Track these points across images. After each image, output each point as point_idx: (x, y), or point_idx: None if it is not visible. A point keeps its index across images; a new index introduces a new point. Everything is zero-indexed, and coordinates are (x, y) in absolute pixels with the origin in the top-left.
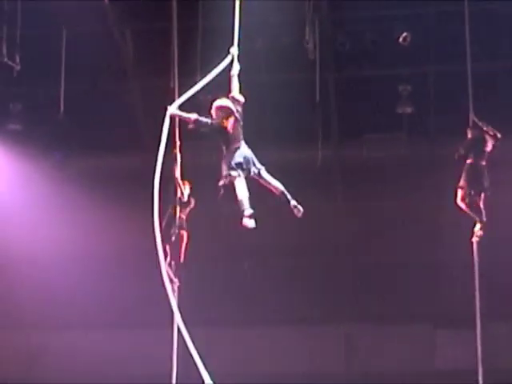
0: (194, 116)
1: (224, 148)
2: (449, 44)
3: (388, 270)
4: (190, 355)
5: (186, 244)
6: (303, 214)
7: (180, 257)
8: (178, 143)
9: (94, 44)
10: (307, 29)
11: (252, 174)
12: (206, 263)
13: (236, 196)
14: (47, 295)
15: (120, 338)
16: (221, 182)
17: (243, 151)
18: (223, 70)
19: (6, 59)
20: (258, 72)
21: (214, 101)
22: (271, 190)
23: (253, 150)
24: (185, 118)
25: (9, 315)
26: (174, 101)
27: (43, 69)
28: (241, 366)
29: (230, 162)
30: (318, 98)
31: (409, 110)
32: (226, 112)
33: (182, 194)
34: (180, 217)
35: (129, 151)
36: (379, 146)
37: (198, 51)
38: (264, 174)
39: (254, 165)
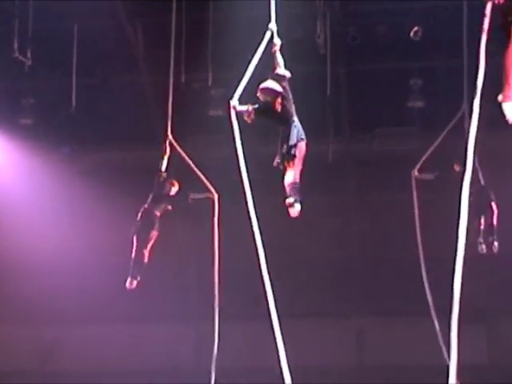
0: (250, 107)
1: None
2: (460, 38)
3: (400, 264)
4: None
5: (153, 245)
6: (315, 206)
7: (144, 256)
8: (169, 136)
9: (105, 38)
10: (318, 23)
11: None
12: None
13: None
14: (60, 289)
15: (134, 332)
16: (275, 163)
17: (290, 130)
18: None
19: (17, 54)
20: (268, 65)
21: (259, 84)
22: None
23: (263, 144)
24: (243, 111)
25: (22, 309)
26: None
27: (54, 63)
28: (252, 359)
29: (286, 142)
30: (328, 92)
31: (420, 103)
32: (272, 93)
33: (170, 190)
34: (155, 214)
35: (140, 145)
36: (390, 140)
37: (209, 44)
38: (293, 160)
39: (289, 147)
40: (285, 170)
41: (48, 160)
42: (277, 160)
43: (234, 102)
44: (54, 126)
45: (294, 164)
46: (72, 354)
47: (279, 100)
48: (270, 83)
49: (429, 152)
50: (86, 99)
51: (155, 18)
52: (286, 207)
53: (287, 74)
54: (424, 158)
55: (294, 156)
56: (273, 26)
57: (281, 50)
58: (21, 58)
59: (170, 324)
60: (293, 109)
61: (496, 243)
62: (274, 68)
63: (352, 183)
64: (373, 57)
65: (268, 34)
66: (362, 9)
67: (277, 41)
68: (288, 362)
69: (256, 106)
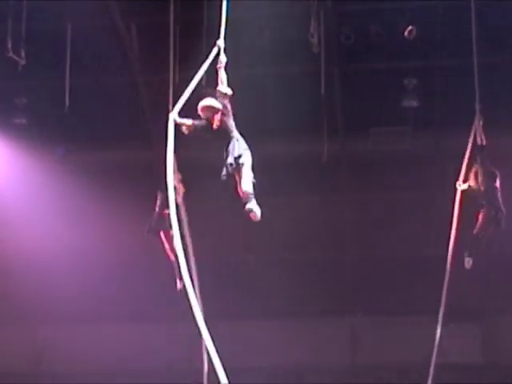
0: (189, 122)
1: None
2: (454, 37)
3: (393, 263)
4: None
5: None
6: (310, 206)
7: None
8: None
9: (98, 38)
10: (312, 22)
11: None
12: (212, 257)
13: (238, 189)
14: (54, 289)
15: (128, 333)
16: (222, 176)
17: (232, 144)
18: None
19: (11, 53)
20: (263, 65)
21: (199, 101)
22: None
23: (258, 144)
24: (184, 124)
25: (16, 310)
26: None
27: (48, 63)
28: (245, 358)
29: (231, 155)
30: (323, 91)
31: (414, 103)
32: (212, 111)
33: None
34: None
35: (133, 145)
36: (385, 139)
37: (203, 45)
38: (242, 169)
39: (234, 158)
40: (235, 180)
41: (42, 160)
42: (223, 174)
43: (174, 115)
44: (47, 126)
45: (241, 174)
46: (65, 354)
47: (218, 117)
48: (209, 101)
49: (466, 161)
50: (79, 99)
51: (149, 18)
52: (247, 213)
53: (229, 91)
54: (464, 168)
55: (241, 166)
56: (221, 42)
57: (225, 68)
58: (14, 57)
59: (162, 324)
60: (232, 124)
61: (468, 259)
62: (217, 84)
63: (346, 183)
64: (367, 56)
65: (215, 50)
66: (356, 8)
67: (223, 58)
68: (282, 361)
69: (196, 121)
